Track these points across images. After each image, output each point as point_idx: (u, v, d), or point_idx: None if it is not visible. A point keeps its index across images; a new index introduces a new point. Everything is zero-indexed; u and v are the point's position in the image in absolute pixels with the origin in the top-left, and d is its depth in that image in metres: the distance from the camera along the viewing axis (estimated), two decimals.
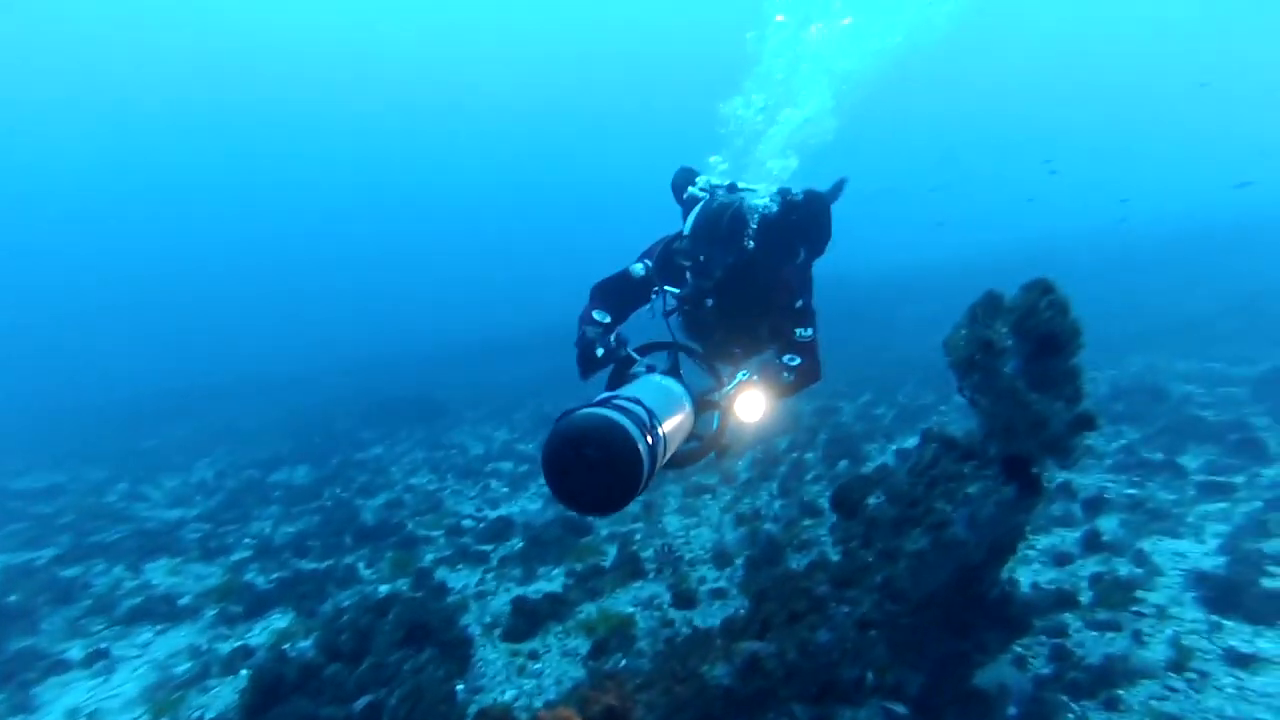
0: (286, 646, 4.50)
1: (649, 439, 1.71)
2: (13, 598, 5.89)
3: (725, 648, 2.30)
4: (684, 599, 4.32)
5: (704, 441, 2.64)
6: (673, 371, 2.70)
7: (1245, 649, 3.11)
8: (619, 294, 3.28)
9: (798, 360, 3.16)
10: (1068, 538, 4.73)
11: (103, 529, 7.90)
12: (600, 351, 2.75)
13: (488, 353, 20.15)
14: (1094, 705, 3.01)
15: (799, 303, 3.27)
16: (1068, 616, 3.74)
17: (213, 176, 55.41)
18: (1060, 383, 2.57)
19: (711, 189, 3.57)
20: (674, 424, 2.06)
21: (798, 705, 2.55)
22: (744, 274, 3.17)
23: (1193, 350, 10.32)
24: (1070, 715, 3.00)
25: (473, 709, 3.52)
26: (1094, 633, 3.55)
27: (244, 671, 4.23)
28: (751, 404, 2.69)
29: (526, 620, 4.27)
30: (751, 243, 3.16)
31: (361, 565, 6.01)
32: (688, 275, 3.21)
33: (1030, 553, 4.60)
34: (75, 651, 4.92)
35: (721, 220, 3.09)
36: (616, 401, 1.80)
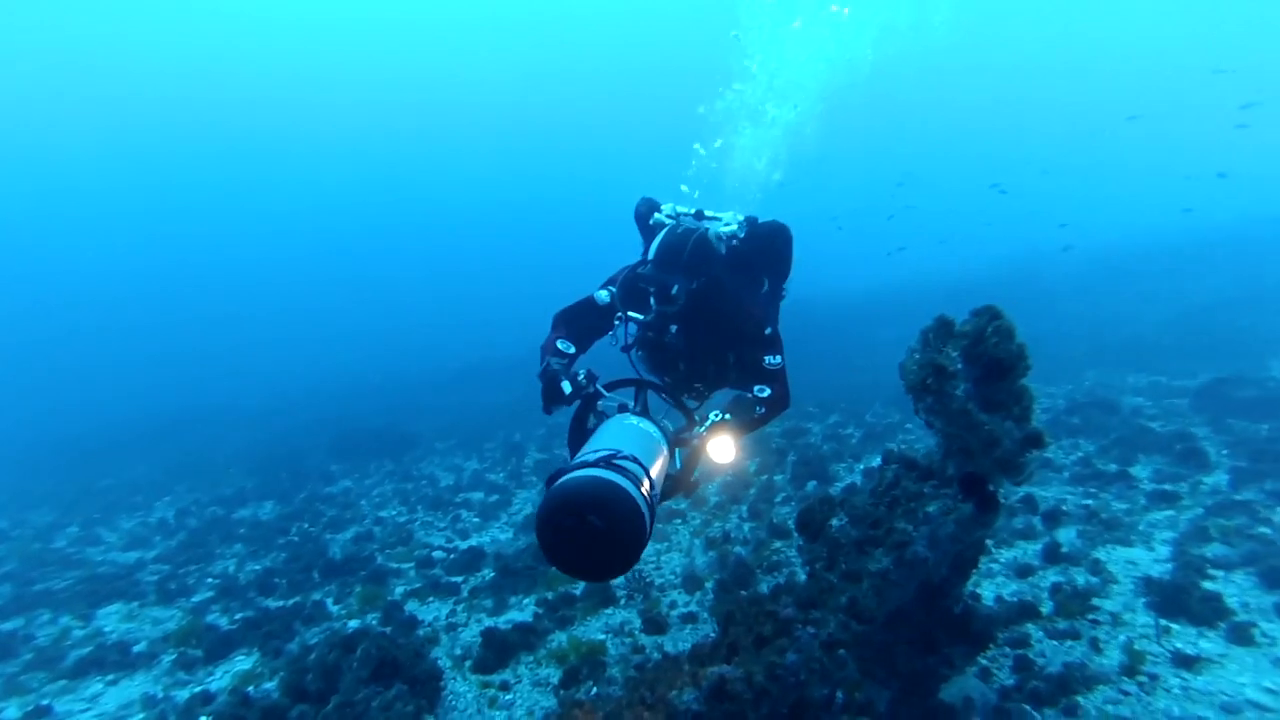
0: (250, 689, 4.37)
1: (648, 500, 1.65)
2: None
3: (693, 673, 2.33)
4: (655, 624, 4.33)
5: (674, 481, 2.57)
6: (642, 410, 2.67)
7: (1190, 651, 3.25)
8: (582, 322, 3.27)
9: (767, 391, 3.14)
10: (1029, 550, 4.89)
11: (49, 576, 7.50)
12: (568, 387, 2.70)
13: (456, 381, 19.97)
14: (1055, 713, 3.10)
15: (768, 330, 3.27)
16: (1030, 627, 3.86)
17: (163, 201, 54.19)
18: (1009, 403, 2.70)
19: (677, 216, 3.64)
20: (657, 472, 2.02)
21: None
22: (708, 300, 3.16)
23: (1141, 364, 10.77)
24: None
25: None
26: (1054, 642, 3.66)
27: (203, 718, 4.10)
28: (724, 446, 2.66)
29: (497, 651, 4.23)
30: (716, 269, 3.17)
31: (330, 601, 5.88)
32: (651, 301, 3.17)
33: (994, 566, 4.74)
34: (12, 711, 4.62)
35: (685, 246, 3.10)
36: (614, 460, 1.70)
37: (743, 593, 4.24)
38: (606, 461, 1.69)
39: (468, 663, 4.33)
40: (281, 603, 5.99)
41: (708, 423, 2.77)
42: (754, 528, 6.02)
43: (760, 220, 3.68)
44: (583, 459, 1.76)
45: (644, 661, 3.91)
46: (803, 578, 3.93)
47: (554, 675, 4.02)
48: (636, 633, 4.37)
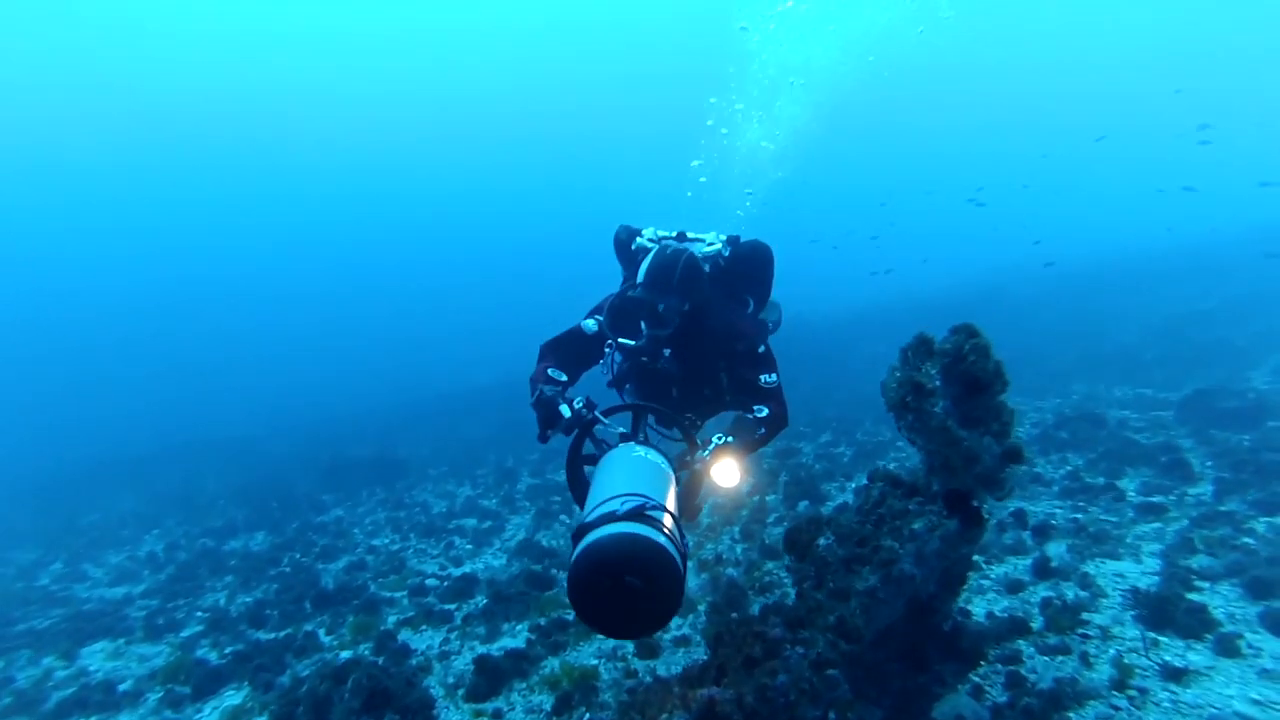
0: None
1: (680, 550, 1.59)
2: None
3: (683, 695, 2.34)
4: (647, 648, 4.32)
5: (677, 507, 2.47)
6: (645, 438, 2.63)
7: (1178, 663, 3.28)
8: (571, 351, 3.24)
9: (766, 410, 3.10)
10: (1020, 565, 4.91)
11: (32, 615, 7.34)
12: (566, 411, 2.65)
13: (447, 406, 19.91)
14: None
15: (761, 348, 3.26)
16: (1021, 643, 3.87)
17: (145, 225, 53.88)
18: (988, 419, 2.76)
19: (659, 239, 3.68)
20: (674, 507, 1.95)
21: None
22: (700, 322, 3.15)
23: (1126, 376, 10.90)
24: None
25: None
26: (1045, 658, 3.67)
27: None
28: (728, 470, 2.61)
29: (489, 678, 4.20)
30: (705, 290, 3.17)
31: (322, 632, 5.82)
32: (642, 326, 3.16)
33: (985, 582, 4.76)
34: None
35: (676, 266, 3.05)
36: (646, 511, 1.62)
37: (734, 615, 4.24)
38: (637, 514, 1.60)
39: (460, 691, 4.30)
40: (273, 635, 5.92)
41: (711, 446, 2.71)
42: (746, 549, 6.03)
43: (742, 240, 3.74)
44: (608, 509, 1.65)
45: (636, 686, 3.89)
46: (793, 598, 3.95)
47: (546, 702, 3.99)
48: (629, 657, 4.35)
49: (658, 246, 3.31)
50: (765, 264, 3.71)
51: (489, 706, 4.08)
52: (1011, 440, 2.75)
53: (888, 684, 3.24)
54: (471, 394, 20.56)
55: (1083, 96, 43.52)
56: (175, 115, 43.63)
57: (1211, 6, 35.22)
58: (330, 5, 40.84)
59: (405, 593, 6.54)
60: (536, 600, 5.59)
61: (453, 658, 4.89)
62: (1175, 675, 3.17)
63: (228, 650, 5.66)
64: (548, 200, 59.13)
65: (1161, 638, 3.59)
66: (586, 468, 2.61)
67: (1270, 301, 13.34)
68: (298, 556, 8.36)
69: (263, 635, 5.95)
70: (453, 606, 5.96)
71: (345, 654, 5.22)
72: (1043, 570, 4.67)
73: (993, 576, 4.79)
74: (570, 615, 5.14)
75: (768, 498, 7.35)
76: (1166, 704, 3.00)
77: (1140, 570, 4.46)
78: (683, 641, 4.48)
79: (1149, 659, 3.40)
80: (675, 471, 2.31)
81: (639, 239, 3.63)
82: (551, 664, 4.41)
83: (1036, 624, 4.01)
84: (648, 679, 3.98)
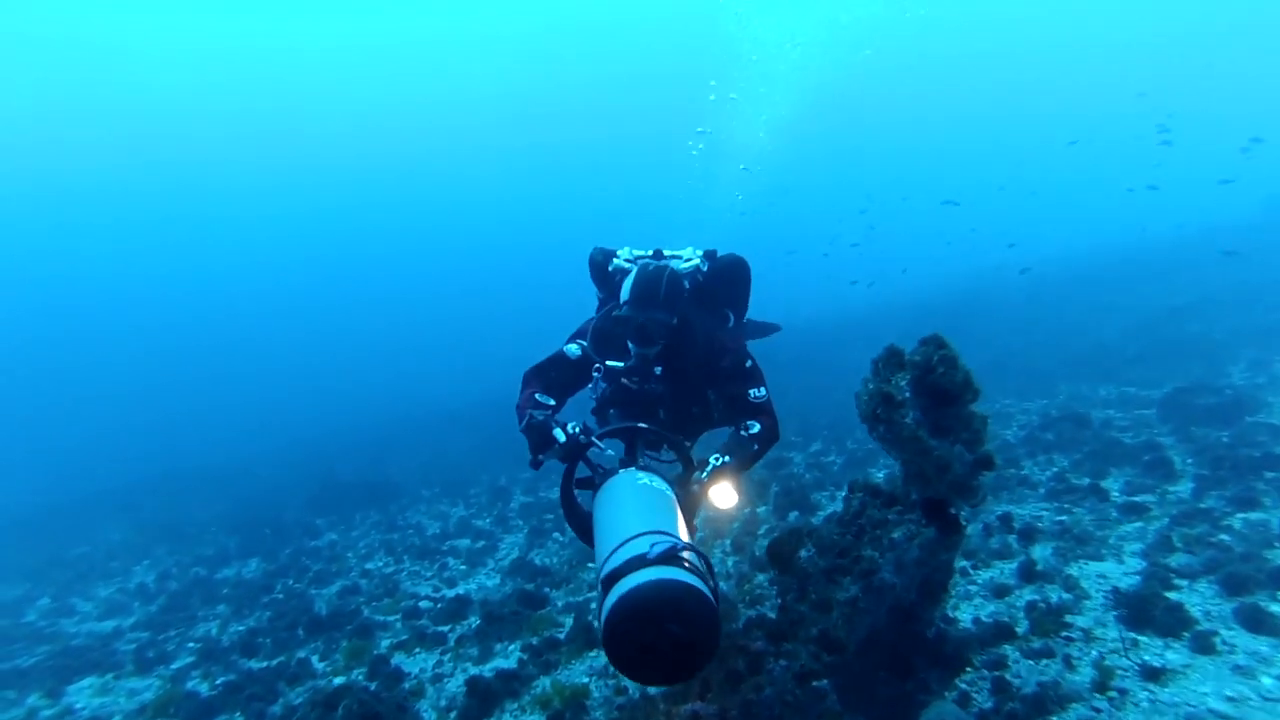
0: None
1: (714, 591, 1.55)
2: None
3: (668, 711, 2.38)
4: None
5: None
6: (633, 458, 2.58)
7: (1157, 663, 3.33)
8: (557, 377, 3.22)
9: (757, 426, 3.08)
10: (1006, 569, 4.96)
11: (17, 653, 7.21)
12: (561, 435, 2.60)
13: (438, 424, 19.87)
14: None
15: (748, 363, 3.23)
16: (1007, 648, 3.91)
17: (133, 245, 53.34)
18: (958, 428, 2.83)
19: (636, 259, 3.62)
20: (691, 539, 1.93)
21: None
22: (687, 337, 3.15)
23: (1110, 375, 11.03)
24: None
25: None
26: (1030, 662, 3.72)
27: None
28: (726, 492, 2.61)
29: (481, 700, 4.21)
30: (688, 306, 3.17)
31: (315, 658, 5.81)
32: (630, 346, 3.11)
33: (972, 588, 4.80)
34: None
35: (660, 282, 3.05)
36: (679, 554, 1.58)
37: (728, 627, 4.27)
38: (671, 557, 1.55)
39: (452, 714, 4.30)
40: (265, 663, 5.90)
41: (708, 469, 2.68)
42: (737, 561, 6.06)
43: (719, 254, 3.78)
44: (636, 551, 1.59)
45: (626, 703, 3.91)
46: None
47: None
48: (620, 675, 4.37)
49: (638, 265, 3.30)
50: (743, 278, 3.73)
51: None
52: (983, 448, 2.81)
53: (874, 692, 3.28)
54: (463, 411, 20.53)
55: (1054, 99, 44.68)
56: (158, 133, 43.33)
57: (1173, 13, 36.51)
58: (319, 16, 40.83)
59: (399, 616, 6.53)
60: (529, 619, 5.60)
61: (445, 680, 4.89)
62: (1154, 675, 3.23)
63: (219, 681, 5.64)
64: (542, 212, 59.21)
65: (1141, 637, 3.65)
66: (579, 492, 2.60)
67: (1243, 296, 13.57)
68: (291, 582, 8.33)
69: (255, 664, 5.93)
70: (446, 628, 5.97)
71: (338, 680, 5.21)
72: (1028, 574, 4.73)
73: (979, 581, 4.84)
74: (561, 634, 5.16)
75: (759, 509, 7.39)
76: (1145, 704, 3.05)
77: (1122, 570, 4.53)
78: None
79: (1129, 659, 3.45)
80: (675, 495, 2.28)
81: (615, 260, 3.61)
82: (543, 683, 4.43)
83: (1021, 628, 4.06)
84: (637, 695, 4.00)
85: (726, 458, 2.78)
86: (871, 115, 43.42)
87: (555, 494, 9.89)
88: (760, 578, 5.53)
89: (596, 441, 2.59)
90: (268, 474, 17.06)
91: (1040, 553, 5.06)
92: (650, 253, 3.66)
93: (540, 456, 2.70)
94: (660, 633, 1.43)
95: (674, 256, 3.63)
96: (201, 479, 17.86)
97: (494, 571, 7.56)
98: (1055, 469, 7.12)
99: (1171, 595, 3.90)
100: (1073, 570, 4.65)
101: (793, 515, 6.93)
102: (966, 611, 4.43)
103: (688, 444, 3.31)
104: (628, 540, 1.68)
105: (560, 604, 6.01)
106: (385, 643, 5.89)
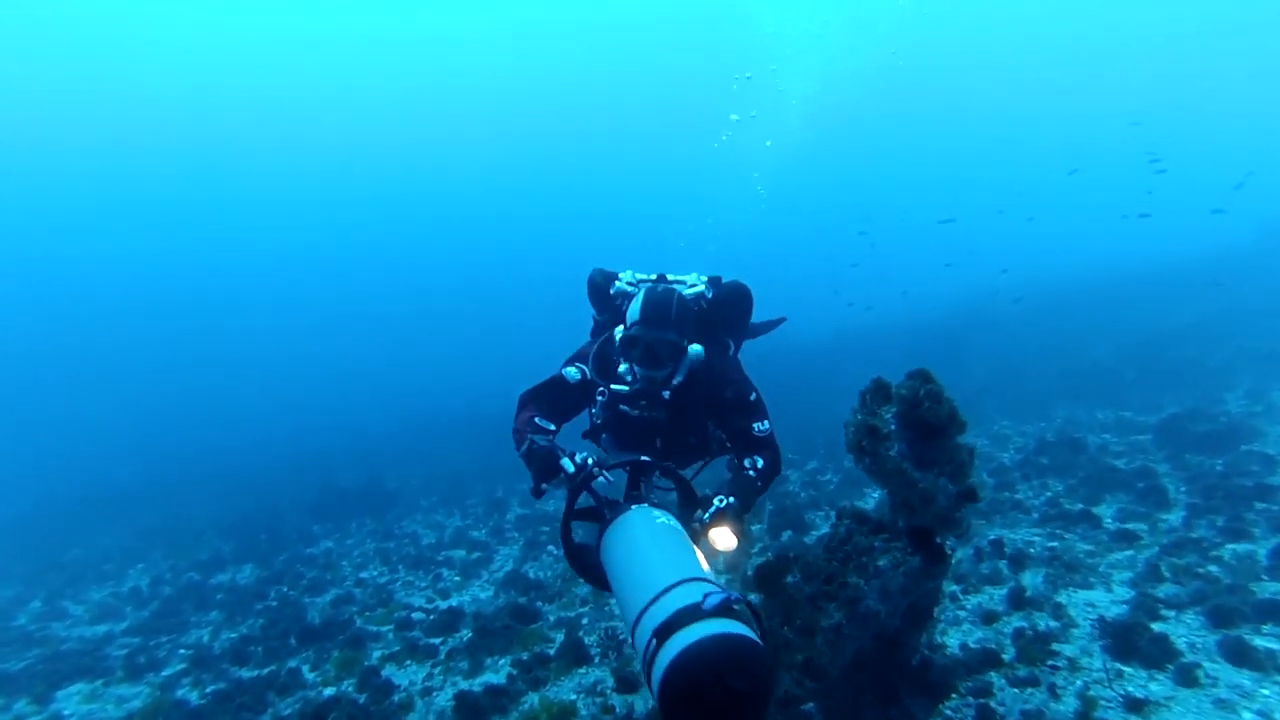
0: None
1: (764, 639, 1.56)
2: None
3: None
4: (626, 683, 4.36)
5: None
6: (637, 493, 2.51)
7: (1140, 694, 3.36)
8: (555, 401, 3.15)
9: (761, 461, 3.02)
10: (996, 595, 4.99)
11: (7, 657, 7.17)
12: (569, 466, 2.53)
13: (439, 434, 19.89)
14: None
15: (752, 395, 3.17)
16: (993, 675, 3.94)
17: (127, 247, 52.73)
18: (943, 461, 2.87)
19: (639, 282, 3.55)
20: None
21: None
22: (697, 362, 3.08)
23: (1107, 398, 11.06)
24: None
25: None
26: (1015, 690, 3.74)
27: None
28: (728, 535, 2.56)
29: (469, 716, 4.23)
30: (695, 331, 3.10)
31: (306, 668, 5.81)
32: (635, 370, 3.04)
33: (961, 613, 4.83)
34: None
35: (670, 303, 2.99)
36: (733, 606, 1.56)
37: None
38: (725, 609, 1.54)
39: None
40: (256, 672, 5.91)
41: (711, 509, 2.60)
42: (729, 580, 6.08)
43: (723, 280, 3.78)
44: (687, 602, 1.57)
45: None
46: None
47: None
48: (608, 692, 4.39)
49: (644, 287, 3.22)
50: (745, 306, 3.67)
51: None
52: (968, 481, 2.85)
53: (860, 717, 3.31)
54: (464, 419, 20.56)
55: (1054, 128, 45.30)
56: (153, 128, 42.92)
57: (1166, 45, 37.20)
58: (321, 9, 40.56)
59: (391, 626, 6.54)
60: (519, 634, 5.62)
61: (435, 694, 4.90)
62: (1137, 706, 3.26)
63: (209, 689, 5.64)
64: (542, 220, 59.18)
65: (1126, 668, 3.67)
66: (578, 522, 2.53)
67: (1243, 322, 13.61)
68: (285, 590, 8.34)
69: (246, 673, 5.93)
70: (438, 640, 5.98)
71: (328, 691, 5.23)
72: (1017, 600, 4.75)
73: (969, 607, 4.86)
74: (551, 649, 5.18)
75: (753, 527, 7.41)
76: None
77: (1110, 599, 4.55)
78: None
79: (1113, 690, 3.48)
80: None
81: (617, 283, 3.57)
82: (531, 700, 4.44)
83: (1008, 655, 4.08)
84: (626, 714, 4.02)
85: (731, 499, 2.67)
86: (872, 138, 43.74)
87: (552, 507, 9.93)
88: (752, 598, 5.55)
89: (606, 474, 2.52)
90: (268, 479, 17.07)
91: (1030, 579, 5.09)
92: (654, 276, 3.62)
93: (545, 485, 2.63)
94: (720, 686, 1.43)
95: (678, 281, 3.57)
96: (200, 483, 17.88)
97: (488, 584, 7.57)
98: (1049, 493, 7.15)
99: (1158, 626, 3.92)
100: (1061, 598, 4.68)
101: (786, 535, 6.96)
102: (955, 637, 4.45)
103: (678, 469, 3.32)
104: (671, 588, 1.66)
105: (552, 619, 6.03)
106: (377, 654, 5.91)
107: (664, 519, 2.18)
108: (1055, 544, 5.73)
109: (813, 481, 9.18)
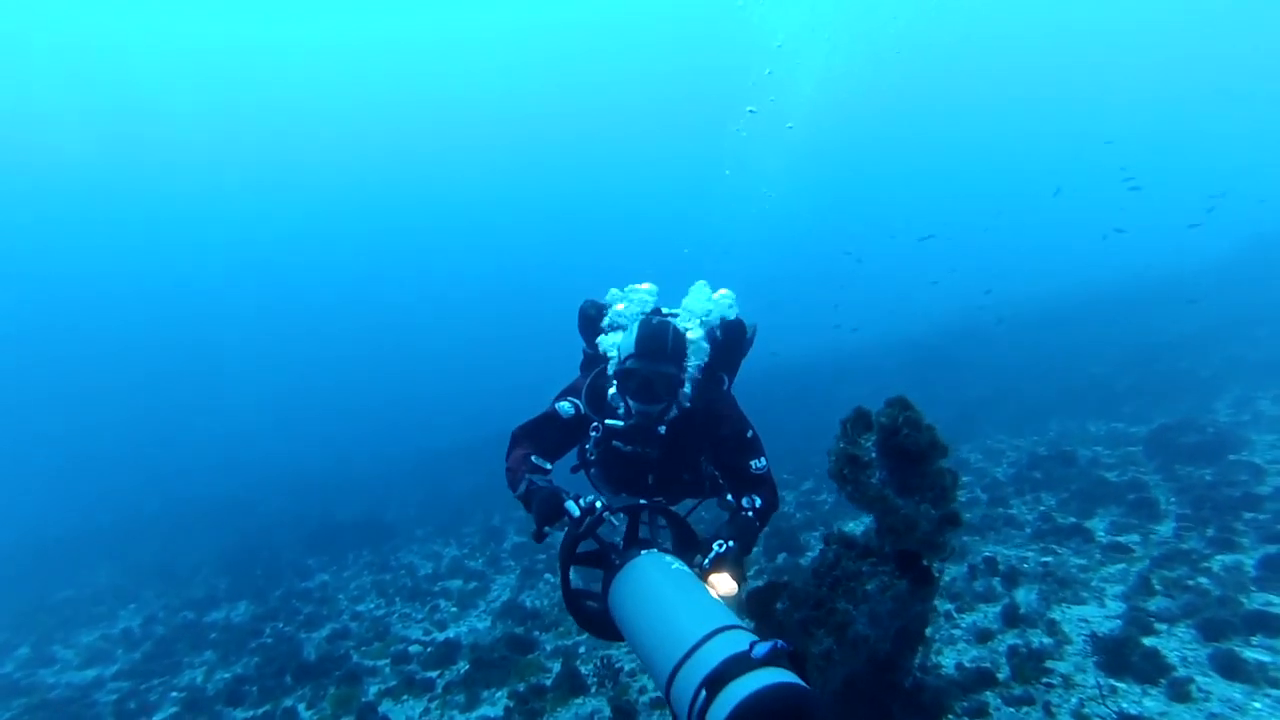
0: None
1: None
2: None
3: None
4: (623, 712, 4.34)
5: None
6: (647, 538, 2.48)
7: (1134, 710, 3.37)
8: (548, 438, 3.10)
9: (759, 501, 2.97)
10: (990, 613, 5.00)
11: None
12: (575, 510, 2.45)
13: (435, 461, 19.85)
14: None
15: (749, 433, 3.12)
16: (989, 695, 3.94)
17: (119, 271, 51.84)
18: (925, 487, 2.91)
19: (633, 315, 3.39)
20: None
21: None
22: (692, 398, 3.05)
23: (1100, 410, 11.15)
24: None
25: None
26: (1010, 709, 3.75)
27: None
28: (726, 582, 2.53)
29: None
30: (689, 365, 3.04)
31: (302, 707, 5.77)
32: (630, 404, 2.97)
33: (956, 632, 4.83)
34: None
35: (666, 335, 2.93)
36: (783, 653, 1.57)
37: None
38: (775, 657, 1.55)
39: None
40: (251, 713, 5.86)
41: (712, 554, 2.54)
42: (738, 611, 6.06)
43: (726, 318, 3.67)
44: (733, 651, 1.58)
45: None
46: None
47: None
48: None
49: (638, 319, 3.13)
50: (742, 342, 3.63)
51: None
52: (950, 506, 2.90)
53: None
54: (460, 448, 20.51)
55: (1039, 144, 46.42)
56: (148, 140, 42.44)
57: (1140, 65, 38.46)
58: (324, 16, 40.43)
59: (388, 661, 6.49)
60: (517, 665, 5.59)
61: None
62: None
63: None
64: (538, 235, 59.23)
65: (1120, 684, 3.69)
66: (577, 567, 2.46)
67: (1230, 332, 13.77)
68: (280, 626, 8.27)
69: (240, 714, 5.88)
70: (434, 674, 5.93)
71: None
72: (1011, 618, 4.76)
73: (963, 625, 4.87)
74: (548, 680, 5.15)
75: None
76: None
77: (1103, 614, 4.57)
78: (659, 704, 4.51)
79: (1107, 707, 3.49)
80: None
81: (609, 315, 3.48)
82: None
83: (1003, 674, 4.09)
84: None
85: (730, 543, 2.60)
86: (860, 157, 44.54)
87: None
88: (747, 621, 5.55)
89: (612, 518, 2.43)
90: (263, 512, 16.96)
91: (1024, 596, 5.11)
92: (649, 310, 3.52)
93: (548, 529, 2.56)
94: None
95: (672, 314, 3.49)
96: (195, 518, 17.74)
97: (485, 614, 7.53)
98: (1042, 508, 7.18)
99: (1150, 640, 3.94)
100: (1055, 614, 4.69)
101: (781, 557, 6.96)
102: (950, 656, 4.46)
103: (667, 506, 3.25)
104: (709, 637, 1.66)
105: (549, 648, 6.00)
106: (374, 689, 5.85)
107: (677, 564, 2.15)
108: (1049, 559, 5.75)
109: (808, 502, 9.19)
